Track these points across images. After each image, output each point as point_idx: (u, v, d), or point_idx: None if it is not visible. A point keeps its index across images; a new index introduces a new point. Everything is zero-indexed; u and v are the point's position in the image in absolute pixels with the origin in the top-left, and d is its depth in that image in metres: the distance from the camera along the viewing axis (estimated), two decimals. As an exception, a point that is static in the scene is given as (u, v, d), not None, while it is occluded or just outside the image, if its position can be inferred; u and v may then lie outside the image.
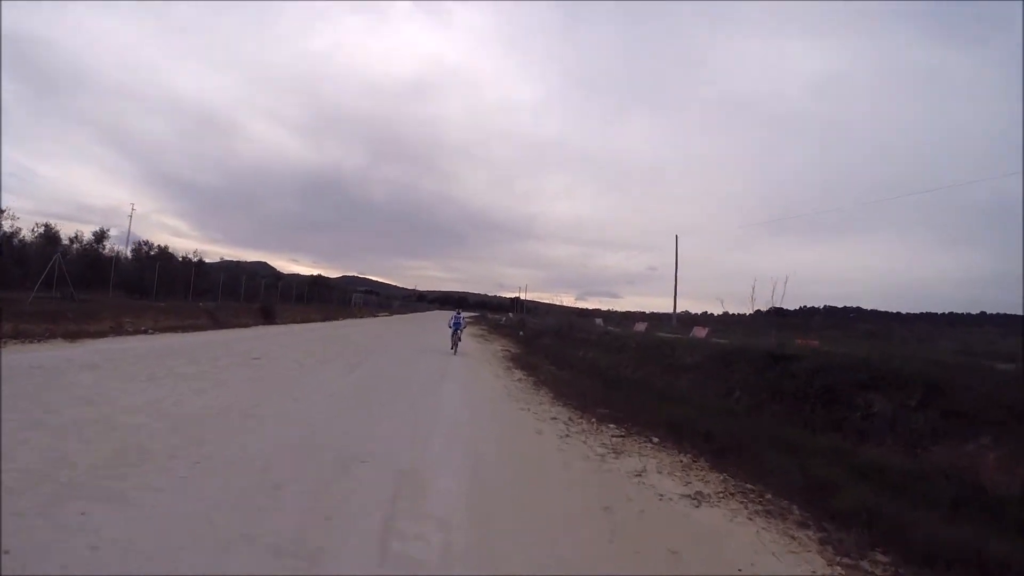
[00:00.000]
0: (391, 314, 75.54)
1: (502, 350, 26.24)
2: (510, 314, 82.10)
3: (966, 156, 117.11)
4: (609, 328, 32.03)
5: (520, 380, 14.48)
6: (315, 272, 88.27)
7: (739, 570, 4.04)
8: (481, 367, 17.02)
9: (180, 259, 42.17)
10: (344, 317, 50.01)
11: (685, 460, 7.33)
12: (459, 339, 21.22)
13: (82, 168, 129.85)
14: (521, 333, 37.96)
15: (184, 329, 23.41)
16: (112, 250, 36.05)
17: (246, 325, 30.13)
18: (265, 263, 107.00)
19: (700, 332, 22.24)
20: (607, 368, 17.48)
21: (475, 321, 77.21)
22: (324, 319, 43.98)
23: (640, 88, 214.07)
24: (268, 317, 35.46)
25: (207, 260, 50.13)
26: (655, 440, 8.30)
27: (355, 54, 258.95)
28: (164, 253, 38.41)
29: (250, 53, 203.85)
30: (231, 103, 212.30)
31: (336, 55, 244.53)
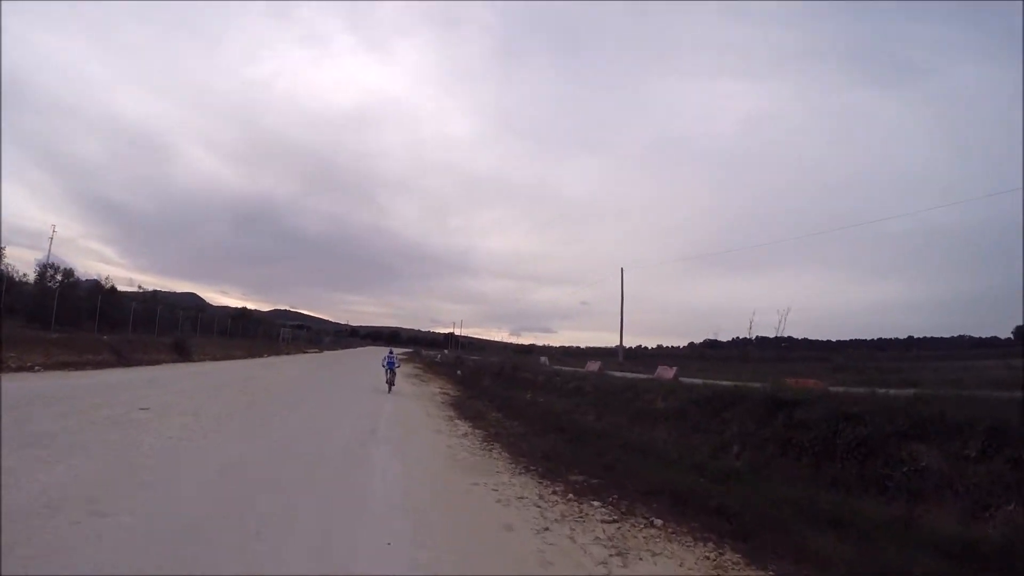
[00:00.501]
0: (321, 350, 71.36)
1: (440, 392, 23.97)
2: (445, 351, 79.34)
3: (886, 191, 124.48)
4: (557, 368, 30.18)
5: (466, 435, 12.30)
6: (243, 305, 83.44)
7: None
8: (418, 418, 14.75)
9: (88, 285, 38.06)
10: (270, 354, 46.28)
11: (711, 555, 5.48)
12: (393, 377, 21.24)
13: (12, 187, 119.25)
14: (459, 372, 35.70)
15: (80, 366, 20.05)
16: (4, 270, 31.57)
17: (156, 362, 26.65)
18: (195, 294, 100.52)
19: (667, 372, 20.63)
20: (564, 416, 15.56)
21: (409, 358, 73.86)
22: (247, 355, 40.37)
23: (576, 127, 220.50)
24: (182, 353, 31.80)
25: (125, 289, 45.79)
26: (658, 523, 6.42)
27: (295, 84, 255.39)
28: (68, 278, 34.13)
29: (189, 75, 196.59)
30: (168, 127, 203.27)
31: (277, 84, 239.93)
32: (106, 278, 39.28)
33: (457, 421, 14.52)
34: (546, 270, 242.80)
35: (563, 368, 29.32)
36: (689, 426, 12.60)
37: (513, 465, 9.50)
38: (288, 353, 51.56)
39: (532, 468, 9.30)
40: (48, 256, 36.55)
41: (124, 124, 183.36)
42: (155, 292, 44.32)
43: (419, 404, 18.50)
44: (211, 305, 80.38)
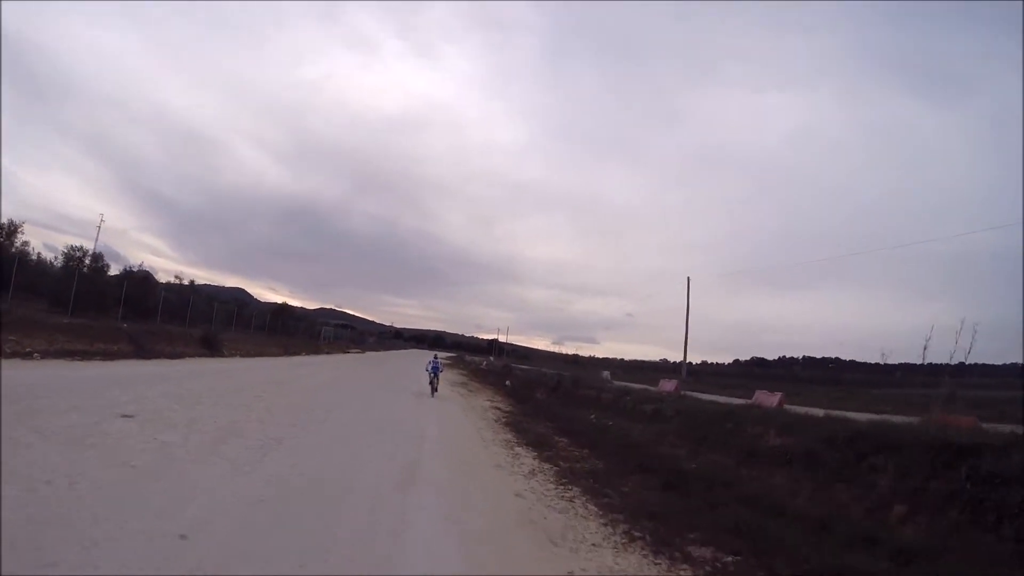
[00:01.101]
0: (364, 351, 69.19)
1: (491, 406, 20.71)
2: (491, 357, 76.04)
3: (930, 209, 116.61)
4: (624, 384, 26.31)
5: (534, 473, 8.98)
6: (285, 301, 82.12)
7: None
8: (471, 443, 11.48)
9: (118, 269, 36.33)
10: (309, 352, 44.02)
11: None
12: (437, 385, 20.93)
13: (64, 177, 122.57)
14: (508, 383, 32.41)
15: (88, 356, 17.63)
16: (21, 247, 29.90)
17: (179, 355, 24.27)
18: (242, 289, 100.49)
19: (770, 398, 16.86)
20: (646, 448, 12.07)
21: (452, 363, 71.19)
22: (283, 353, 38.04)
23: (619, 138, 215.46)
24: (210, 347, 29.48)
25: (170, 280, 44.18)
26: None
27: (344, 87, 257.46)
28: (96, 261, 32.29)
29: (240, 75, 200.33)
30: (217, 123, 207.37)
31: (325, 86, 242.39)
32: (140, 264, 37.41)
33: (518, 449, 11.22)
34: (589, 280, 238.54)
35: (631, 385, 25.61)
36: (824, 474, 9.03)
37: (609, 528, 6.38)
38: (328, 352, 49.30)
39: (636, 534, 6.24)
40: (96, 245, 34.99)
41: (175, 120, 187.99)
42: (192, 282, 42.35)
43: (470, 421, 15.29)
44: (257, 300, 79.54)
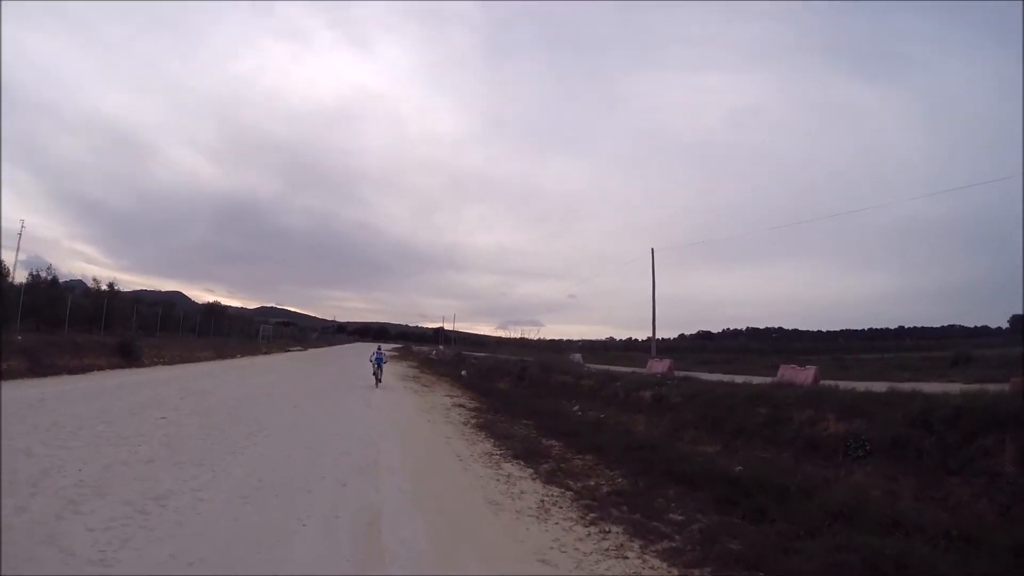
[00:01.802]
0: (305, 348, 64.93)
1: (452, 403, 18.19)
2: (440, 347, 72.94)
3: (872, 184, 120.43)
4: (606, 368, 23.36)
5: (544, 508, 6.54)
6: (217, 300, 76.58)
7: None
8: (446, 464, 8.90)
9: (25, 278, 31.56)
10: (245, 354, 40.10)
11: None
12: (380, 376, 21.96)
13: None
14: (464, 373, 29.87)
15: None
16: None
17: (86, 369, 20.54)
18: (180, 293, 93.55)
19: (801, 373, 14.61)
20: (666, 448, 9.80)
21: (400, 355, 67.87)
22: (216, 356, 34.21)
23: (561, 125, 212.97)
24: (128, 356, 25.61)
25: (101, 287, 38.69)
26: None
27: (277, 80, 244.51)
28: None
29: (170, 72, 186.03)
30: (148, 124, 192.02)
31: (258, 80, 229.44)
32: (47, 267, 32.56)
33: (506, 466, 8.75)
34: (532, 265, 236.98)
35: (612, 368, 23.17)
36: (923, 466, 6.97)
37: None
38: (267, 353, 45.32)
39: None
40: (18, 254, 30.16)
41: (103, 122, 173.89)
42: (112, 286, 37.33)
43: (434, 427, 12.74)
44: (197, 303, 73.72)
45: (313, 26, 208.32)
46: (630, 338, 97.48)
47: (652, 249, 38.30)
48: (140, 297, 47.09)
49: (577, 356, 26.11)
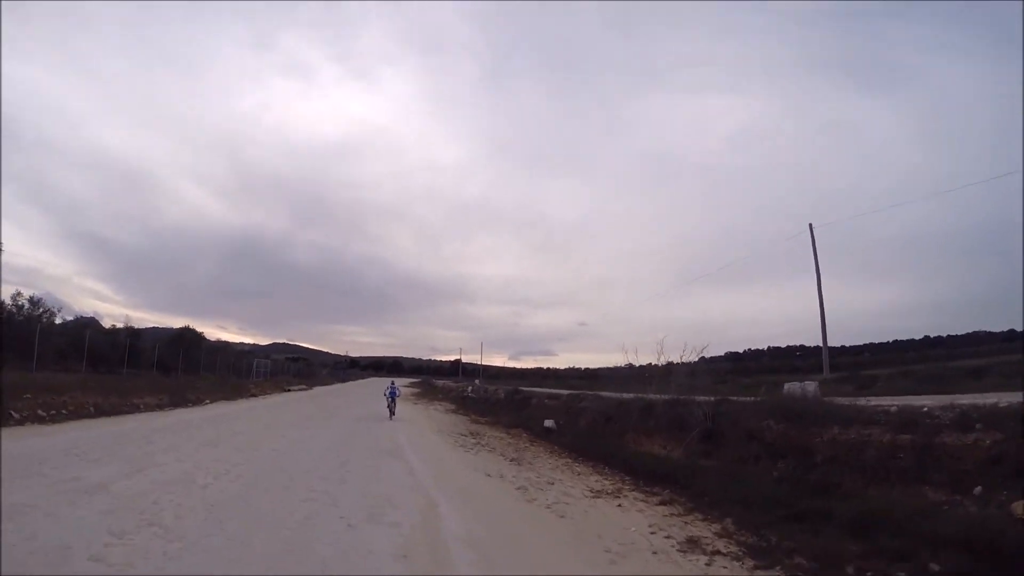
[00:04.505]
0: (311, 386, 52.42)
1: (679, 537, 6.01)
2: (476, 381, 59.96)
3: (878, 197, 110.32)
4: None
5: None
6: (242, 339, 64.69)
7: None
8: None
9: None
10: (223, 396, 27.89)
11: None
12: (394, 409, 21.89)
13: (4, 226, 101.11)
14: (549, 425, 17.55)
15: None
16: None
17: None
18: (192, 329, 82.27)
19: None
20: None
21: (421, 391, 55.30)
22: (159, 404, 22.07)
23: (563, 151, 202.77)
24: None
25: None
26: None
27: (282, 116, 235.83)
28: None
29: (175, 109, 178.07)
30: (155, 161, 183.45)
31: (263, 116, 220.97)
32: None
33: None
34: (540, 293, 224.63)
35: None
36: None
37: None
38: (254, 395, 32.98)
39: None
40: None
41: (110, 159, 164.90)
42: (51, 312, 26.07)
43: None
44: (229, 344, 61.81)
45: (316, 60, 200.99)
46: (650, 364, 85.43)
47: (811, 225, 27.47)
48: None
49: (810, 386, 13.78)
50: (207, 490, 7.64)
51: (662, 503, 8.87)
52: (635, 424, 14.41)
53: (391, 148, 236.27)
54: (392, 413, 21.72)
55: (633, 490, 9.81)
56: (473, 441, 15.05)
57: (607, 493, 9.42)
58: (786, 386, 14.54)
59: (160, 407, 21.34)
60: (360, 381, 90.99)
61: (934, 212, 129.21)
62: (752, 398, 13.60)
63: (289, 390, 43.00)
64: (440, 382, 78.98)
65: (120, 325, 38.57)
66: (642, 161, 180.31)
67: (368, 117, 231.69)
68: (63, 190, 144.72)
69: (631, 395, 16.50)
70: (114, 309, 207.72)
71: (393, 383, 23.92)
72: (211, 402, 25.10)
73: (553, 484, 9.73)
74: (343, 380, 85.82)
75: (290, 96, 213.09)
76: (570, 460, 12.54)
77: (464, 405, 31.63)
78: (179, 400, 23.42)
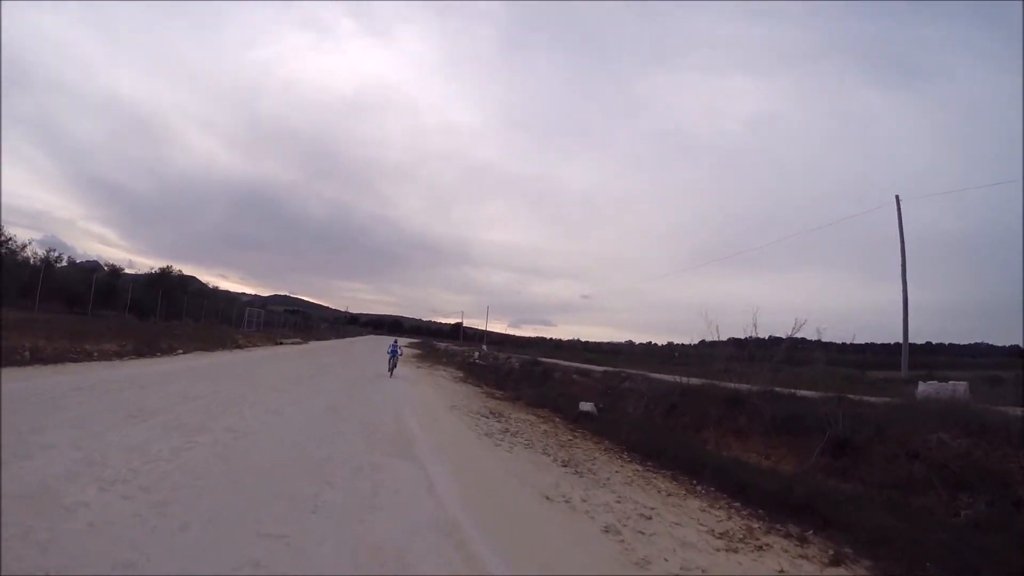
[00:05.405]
0: (306, 340, 49.05)
1: None
2: (484, 347, 56.37)
3: (890, 193, 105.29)
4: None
5: None
6: (243, 289, 61.23)
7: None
8: None
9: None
10: (206, 347, 24.46)
11: None
12: (395, 365, 21.58)
13: (10, 169, 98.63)
14: (587, 409, 14.07)
15: None
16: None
17: None
18: (195, 278, 79.14)
19: None
20: None
21: (423, 353, 52.01)
22: (122, 352, 18.61)
23: (578, 124, 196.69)
24: None
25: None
26: None
27: (297, 69, 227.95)
28: None
29: (190, 58, 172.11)
30: (166, 109, 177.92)
31: (277, 68, 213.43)
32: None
33: None
34: (546, 263, 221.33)
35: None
36: None
37: None
38: (243, 347, 29.52)
39: None
40: None
41: (122, 105, 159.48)
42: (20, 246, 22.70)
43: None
44: (216, 290, 58.62)
45: (333, 15, 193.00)
46: (650, 342, 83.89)
47: (897, 197, 23.65)
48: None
49: (960, 386, 10.17)
50: (75, 516, 4.13)
51: (834, 562, 5.49)
52: (717, 419, 10.87)
53: (406, 107, 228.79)
54: (391, 371, 21.23)
55: (766, 531, 6.35)
56: (499, 427, 11.52)
57: (737, 538, 5.96)
58: (921, 386, 11.08)
59: (120, 355, 17.83)
60: (359, 338, 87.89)
61: (942, 214, 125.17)
62: (886, 399, 10.03)
63: (281, 343, 39.59)
64: (441, 344, 75.77)
65: (133, 271, 35.22)
66: (655, 140, 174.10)
67: (384, 74, 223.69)
68: (73, 134, 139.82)
69: (698, 380, 12.96)
70: (118, 254, 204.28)
71: (396, 341, 23.53)
72: (185, 352, 21.56)
73: (651, 519, 6.21)
74: (341, 336, 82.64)
75: (305, 49, 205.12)
76: (639, 467, 9.02)
77: (472, 373, 28.17)
78: (147, 348, 19.89)
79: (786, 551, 5.81)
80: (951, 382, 11.43)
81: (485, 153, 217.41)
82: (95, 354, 16.99)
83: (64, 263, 30.70)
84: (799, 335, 12.29)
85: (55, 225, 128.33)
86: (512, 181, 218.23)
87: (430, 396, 16.98)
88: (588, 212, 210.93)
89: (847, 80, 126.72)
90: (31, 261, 27.02)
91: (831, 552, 5.84)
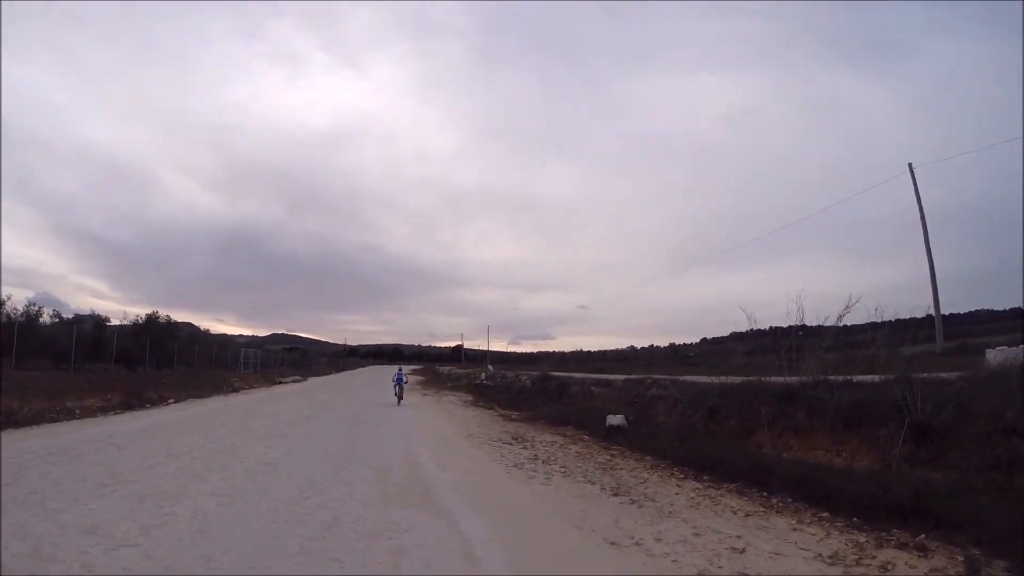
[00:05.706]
0: (306, 377, 47.49)
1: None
2: (489, 366, 54.93)
3: (871, 176, 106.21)
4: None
5: None
6: (241, 331, 59.46)
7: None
8: None
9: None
10: (196, 394, 23.07)
11: None
12: (400, 393, 21.58)
13: None
14: (615, 423, 12.82)
15: None
16: None
17: None
18: (192, 324, 77.26)
19: None
20: None
21: (427, 380, 50.46)
22: (108, 407, 17.22)
23: (555, 134, 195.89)
24: None
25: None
26: None
27: (272, 105, 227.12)
28: None
29: (163, 101, 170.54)
30: (144, 154, 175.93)
31: (252, 106, 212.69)
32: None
33: None
34: (535, 277, 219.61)
35: None
36: None
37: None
38: (237, 390, 28.11)
39: None
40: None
41: (96, 153, 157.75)
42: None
43: None
44: (208, 334, 57.24)
45: (305, 48, 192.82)
46: (652, 345, 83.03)
47: (910, 164, 22.94)
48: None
49: None
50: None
51: (972, 571, 4.33)
52: (770, 419, 9.65)
53: (383, 135, 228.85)
54: (400, 398, 21.43)
55: (877, 545, 5.18)
56: (527, 454, 10.24)
57: (851, 560, 4.78)
58: (989, 353, 10.07)
59: (104, 410, 16.49)
60: (359, 369, 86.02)
61: (930, 189, 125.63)
62: (958, 373, 8.89)
63: (280, 382, 38.10)
64: (444, 369, 74.12)
65: (120, 322, 33.77)
66: (633, 142, 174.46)
67: (359, 104, 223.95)
68: (53, 187, 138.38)
69: (737, 378, 11.76)
70: (112, 306, 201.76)
71: (401, 369, 24.12)
72: (177, 401, 20.19)
73: (744, 552, 4.98)
74: (340, 369, 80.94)
75: (279, 85, 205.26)
76: (698, 484, 7.79)
77: (482, 395, 26.83)
78: (135, 400, 18.52)
79: (913, 567, 4.64)
80: (1021, 346, 10.38)
81: (465, 172, 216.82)
82: (77, 411, 15.65)
83: (46, 318, 29.46)
84: (844, 320, 11.09)
85: (45, 281, 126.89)
86: (494, 197, 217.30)
87: (442, 425, 15.67)
88: (572, 221, 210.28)
89: (820, 66, 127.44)
90: (10, 318, 25.62)
91: (961, 559, 4.68)
